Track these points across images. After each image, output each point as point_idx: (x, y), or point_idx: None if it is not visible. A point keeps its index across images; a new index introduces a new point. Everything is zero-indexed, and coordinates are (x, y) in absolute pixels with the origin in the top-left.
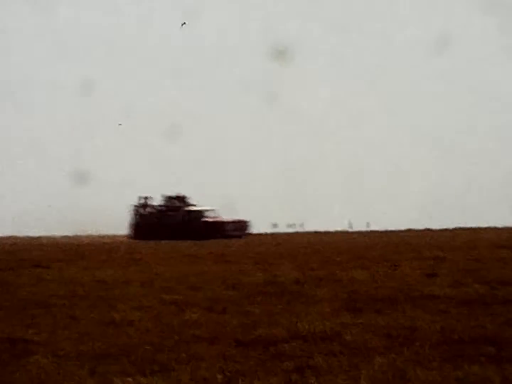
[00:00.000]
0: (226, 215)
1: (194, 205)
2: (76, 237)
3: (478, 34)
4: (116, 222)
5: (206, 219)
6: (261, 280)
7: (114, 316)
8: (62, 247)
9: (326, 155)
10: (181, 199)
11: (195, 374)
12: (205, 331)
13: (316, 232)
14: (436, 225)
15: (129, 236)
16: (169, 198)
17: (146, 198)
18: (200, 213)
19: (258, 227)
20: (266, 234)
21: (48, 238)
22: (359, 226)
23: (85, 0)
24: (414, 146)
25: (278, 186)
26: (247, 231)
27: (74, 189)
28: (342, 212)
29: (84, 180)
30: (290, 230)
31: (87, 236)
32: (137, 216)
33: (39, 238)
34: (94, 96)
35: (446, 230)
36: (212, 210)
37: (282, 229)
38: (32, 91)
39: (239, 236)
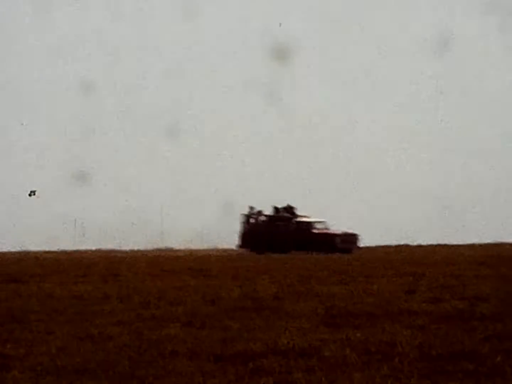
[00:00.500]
0: (335, 228)
1: (304, 216)
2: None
3: (478, 34)
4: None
5: (315, 231)
6: (240, 295)
7: (92, 331)
8: (40, 261)
9: (321, 161)
10: (290, 210)
11: None
12: (183, 346)
13: None
14: (415, 241)
15: (238, 247)
16: (279, 209)
17: (256, 208)
18: (309, 225)
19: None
20: (375, 248)
21: (33, 252)
22: None
23: (84, 0)
24: (413, 147)
25: (265, 196)
26: (356, 245)
27: (76, 192)
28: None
29: (84, 181)
30: None
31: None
32: (246, 226)
33: (17, 252)
34: (93, 96)
35: (425, 246)
36: (322, 222)
37: None
38: (31, 91)
39: (349, 249)
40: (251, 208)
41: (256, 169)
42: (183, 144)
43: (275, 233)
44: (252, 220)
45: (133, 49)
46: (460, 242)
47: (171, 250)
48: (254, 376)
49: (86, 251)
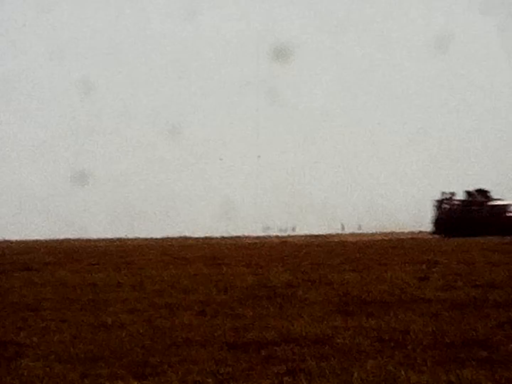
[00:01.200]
0: None
1: (498, 200)
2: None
3: (478, 34)
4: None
5: (511, 215)
6: (253, 283)
7: (106, 319)
8: (53, 250)
9: (322, 156)
10: (484, 193)
11: (186, 378)
12: (197, 334)
13: (308, 235)
14: (427, 228)
15: (432, 232)
16: (472, 193)
17: (450, 193)
18: (504, 208)
19: (248, 230)
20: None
21: (46, 241)
22: (351, 228)
23: (84, 0)
24: (411, 146)
25: (274, 188)
26: None
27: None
28: (334, 214)
29: (84, 180)
30: (282, 234)
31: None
32: (439, 212)
33: (30, 241)
34: (93, 96)
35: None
36: None
37: (274, 233)
38: (32, 91)
39: None
40: (443, 193)
41: (256, 169)
42: (183, 144)
43: (469, 218)
44: (445, 206)
45: (133, 49)
46: None
47: (184, 238)
48: (267, 363)
49: (99, 240)
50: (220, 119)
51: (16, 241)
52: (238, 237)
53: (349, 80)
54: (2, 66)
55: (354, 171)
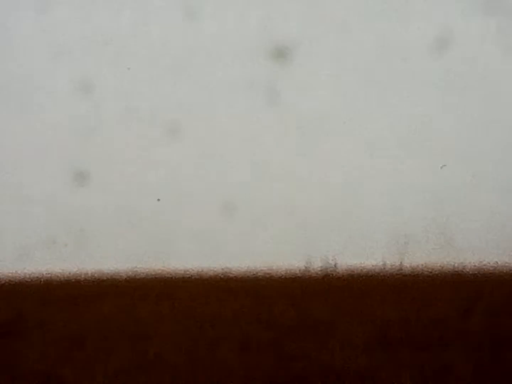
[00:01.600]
0: None
1: None
2: None
3: (478, 34)
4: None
5: None
6: (294, 316)
7: (148, 352)
8: (96, 281)
9: (314, 163)
10: None
11: None
12: (239, 369)
13: (349, 270)
14: (472, 259)
15: None
16: None
17: None
18: None
19: (290, 263)
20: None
21: (82, 273)
22: (392, 262)
23: (84, 0)
24: (415, 148)
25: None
26: None
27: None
28: (375, 247)
29: (84, 181)
30: (325, 267)
31: None
32: None
33: (72, 273)
34: (93, 96)
35: (483, 264)
36: None
37: (316, 266)
38: (31, 91)
39: None
40: None
41: (256, 169)
42: (183, 144)
43: None
44: None
45: (133, 49)
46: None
47: (226, 269)
48: None
49: (138, 270)
50: (220, 119)
51: (59, 273)
52: (278, 269)
53: (349, 80)
54: (2, 66)
55: (352, 176)
